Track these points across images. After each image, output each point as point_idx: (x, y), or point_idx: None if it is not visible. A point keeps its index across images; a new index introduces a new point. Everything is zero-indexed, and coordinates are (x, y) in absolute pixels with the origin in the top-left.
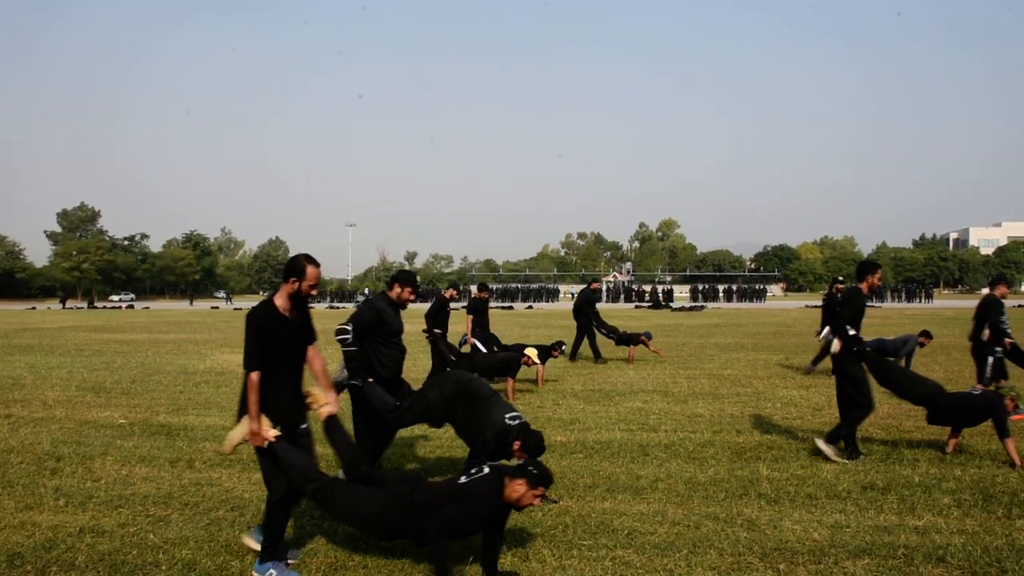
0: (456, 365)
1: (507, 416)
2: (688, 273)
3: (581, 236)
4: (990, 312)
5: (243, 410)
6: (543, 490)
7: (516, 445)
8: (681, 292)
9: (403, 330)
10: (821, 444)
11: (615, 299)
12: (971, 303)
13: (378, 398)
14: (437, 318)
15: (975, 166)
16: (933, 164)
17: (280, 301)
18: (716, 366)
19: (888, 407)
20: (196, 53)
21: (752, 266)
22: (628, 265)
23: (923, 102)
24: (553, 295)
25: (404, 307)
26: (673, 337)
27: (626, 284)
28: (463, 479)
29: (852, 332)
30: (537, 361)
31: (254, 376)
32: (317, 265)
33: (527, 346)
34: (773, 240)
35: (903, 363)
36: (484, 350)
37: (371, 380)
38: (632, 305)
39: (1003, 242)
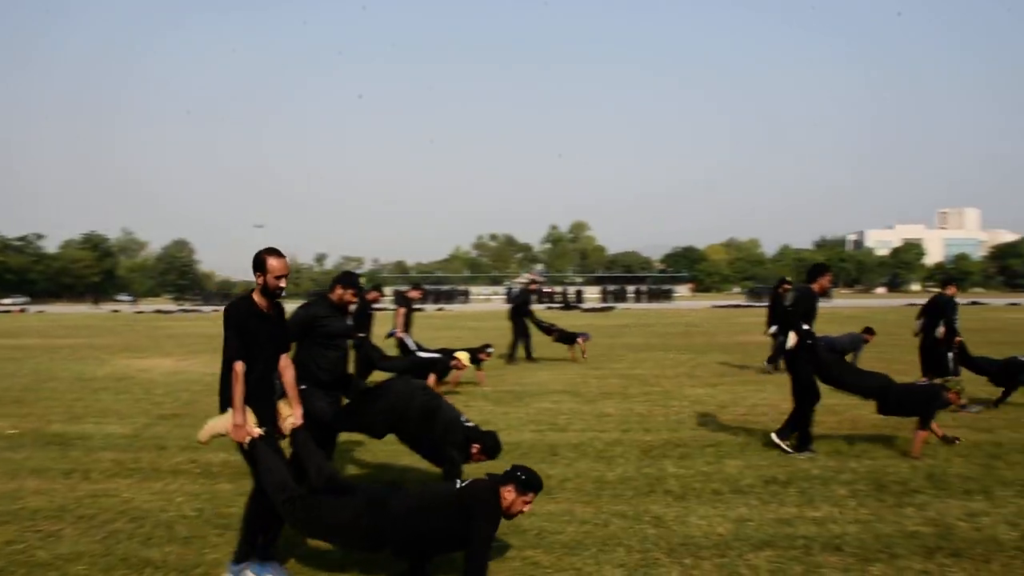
0: (382, 366)
1: (462, 419)
2: (598, 274)
3: (493, 237)
4: (946, 311)
5: (225, 401)
6: (533, 496)
7: (475, 448)
8: (591, 293)
9: (349, 332)
10: (776, 439)
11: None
12: (868, 302)
13: (311, 404)
14: (359, 321)
15: (869, 170)
16: (832, 168)
17: (257, 297)
18: (625, 366)
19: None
20: (196, 53)
21: (661, 267)
22: (539, 266)
23: (821, 106)
24: (465, 297)
25: (346, 309)
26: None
27: (537, 286)
28: (459, 485)
29: (806, 328)
30: (467, 364)
31: (239, 366)
32: (280, 256)
33: (455, 350)
34: (681, 242)
35: (852, 359)
36: (412, 346)
37: (303, 387)
38: (543, 307)
39: (897, 243)
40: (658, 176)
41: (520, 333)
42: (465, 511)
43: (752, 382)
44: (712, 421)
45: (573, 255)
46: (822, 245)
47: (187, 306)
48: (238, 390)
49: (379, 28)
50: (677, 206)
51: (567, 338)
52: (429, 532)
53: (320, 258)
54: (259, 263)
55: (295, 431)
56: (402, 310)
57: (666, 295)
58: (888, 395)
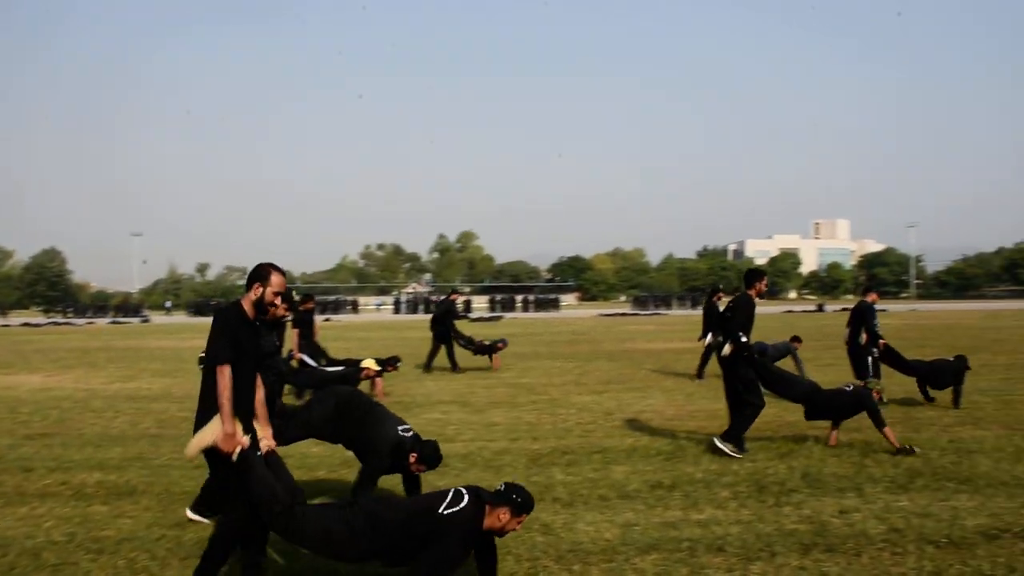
0: (291, 380)
1: (400, 428)
2: (486, 284)
3: (380, 247)
4: (866, 317)
5: (206, 410)
6: (525, 517)
7: (413, 458)
8: (479, 303)
9: (278, 352)
10: (719, 443)
11: (414, 310)
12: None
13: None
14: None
15: (751, 184)
16: (715, 181)
17: (247, 307)
18: (513, 375)
19: (672, 409)
20: (196, 53)
21: (548, 276)
22: (428, 276)
23: (705, 122)
24: (353, 307)
25: (266, 313)
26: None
27: (425, 295)
28: (444, 510)
29: (744, 338)
30: (377, 368)
31: (226, 369)
32: (282, 273)
33: (362, 359)
34: (568, 251)
35: (796, 366)
36: (313, 364)
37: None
38: (430, 316)
39: (775, 253)
40: (546, 186)
41: (442, 343)
42: (441, 531)
43: (637, 389)
44: (599, 428)
45: (461, 265)
46: (704, 254)
47: (58, 319)
48: (226, 396)
49: (379, 28)
50: (564, 216)
51: (487, 349)
52: (420, 543)
53: (202, 268)
54: (261, 274)
55: (267, 454)
56: (296, 330)
57: (553, 304)
58: (815, 401)
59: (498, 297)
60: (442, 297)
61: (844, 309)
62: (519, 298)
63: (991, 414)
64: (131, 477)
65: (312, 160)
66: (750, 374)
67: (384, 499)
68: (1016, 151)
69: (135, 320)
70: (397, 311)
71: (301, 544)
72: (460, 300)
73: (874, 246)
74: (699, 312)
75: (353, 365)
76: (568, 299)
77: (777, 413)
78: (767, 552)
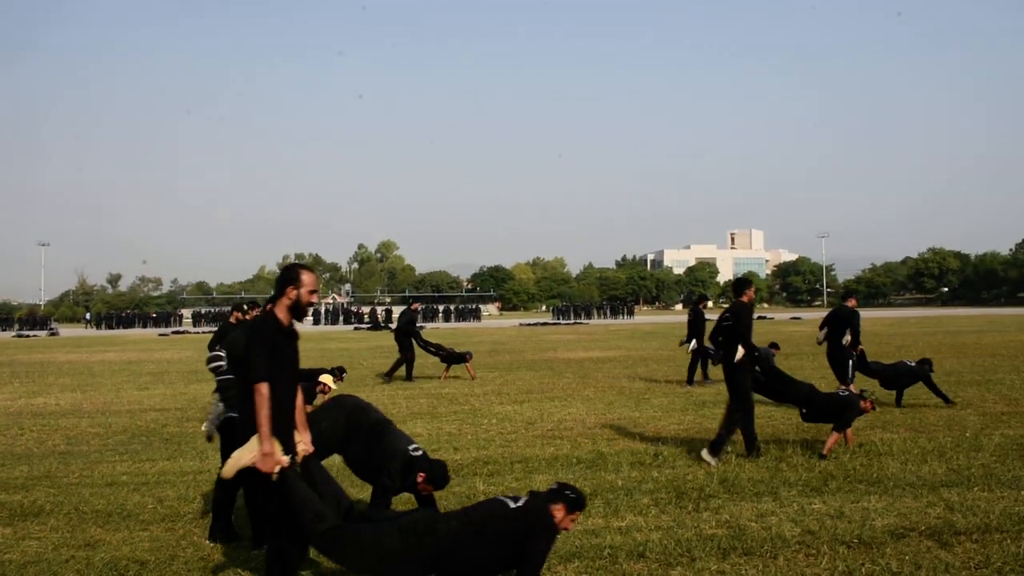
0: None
1: (410, 447)
2: (407, 294)
3: (299, 257)
4: (852, 321)
5: (248, 428)
6: (578, 514)
7: (421, 477)
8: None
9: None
10: (702, 454)
11: (334, 321)
12: (668, 318)
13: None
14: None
15: (672, 195)
16: (633, 192)
17: (282, 314)
18: (434, 385)
19: (593, 418)
20: (195, 52)
21: (469, 286)
22: (347, 286)
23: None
24: None
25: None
26: (392, 358)
27: (345, 306)
28: (514, 505)
29: (751, 344)
30: (334, 387)
31: (264, 387)
32: (312, 270)
33: (320, 371)
34: (489, 261)
35: None
36: None
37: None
38: (351, 327)
39: (692, 262)
40: (466, 196)
41: (406, 353)
42: (525, 530)
43: (559, 398)
44: (520, 438)
45: (382, 275)
46: (623, 264)
47: None
48: (264, 415)
49: (379, 28)
50: (485, 226)
51: (456, 358)
52: (483, 553)
53: (114, 279)
54: (292, 277)
55: (305, 459)
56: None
57: (474, 314)
58: (813, 403)
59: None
60: (402, 308)
61: (760, 317)
62: (440, 308)
63: (898, 418)
64: (37, 497)
65: (228, 168)
66: (746, 380)
67: (434, 513)
68: (922, 165)
69: (42, 333)
70: (316, 322)
71: (344, 564)
72: (419, 308)
73: (788, 256)
74: (618, 321)
75: (307, 378)
76: (489, 309)
77: (696, 420)
78: (687, 557)
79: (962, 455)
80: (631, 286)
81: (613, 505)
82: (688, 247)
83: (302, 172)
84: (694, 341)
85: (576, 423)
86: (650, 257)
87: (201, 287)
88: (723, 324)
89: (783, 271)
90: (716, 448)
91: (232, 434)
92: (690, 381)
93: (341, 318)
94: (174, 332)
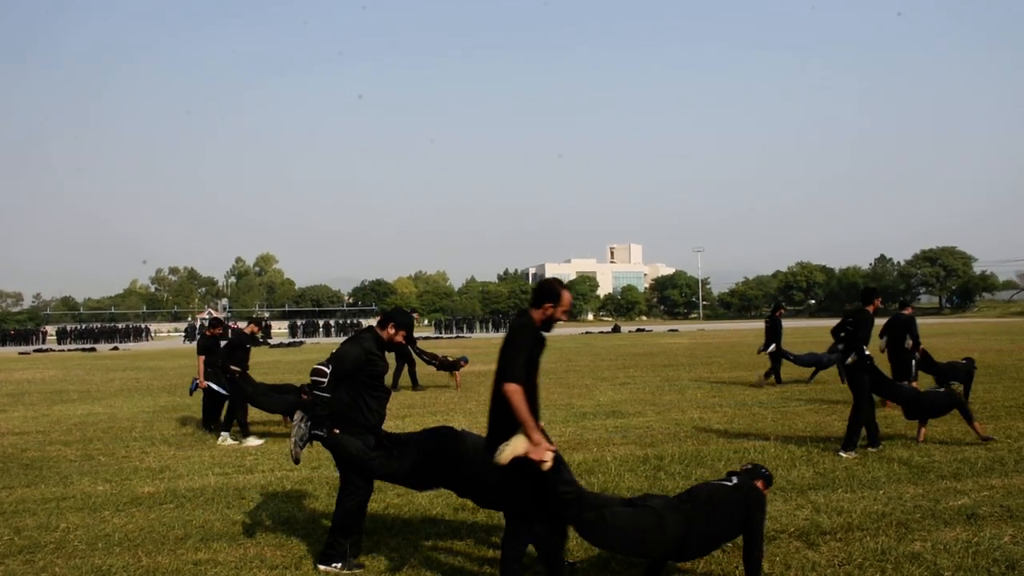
0: (259, 402)
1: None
2: (287, 308)
3: (173, 271)
4: (910, 327)
5: (504, 424)
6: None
7: None
8: (280, 328)
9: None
10: (843, 453)
11: None
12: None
13: (354, 445)
14: (238, 355)
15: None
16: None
17: (538, 320)
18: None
19: (477, 431)
20: (195, 53)
21: (350, 301)
22: (224, 301)
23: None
24: (146, 335)
25: (392, 349)
26: (272, 374)
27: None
28: (728, 484)
29: (867, 351)
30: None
31: (519, 388)
32: (570, 291)
33: (303, 387)
34: (370, 275)
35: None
36: (221, 391)
37: (337, 431)
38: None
39: (573, 276)
40: (348, 210)
41: (405, 362)
42: (746, 504)
43: (440, 412)
44: None
45: (260, 289)
46: (505, 278)
47: None
48: (526, 411)
49: (379, 28)
50: (366, 240)
51: (451, 366)
52: (718, 526)
53: None
54: (553, 294)
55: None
56: (202, 357)
57: (355, 328)
58: (920, 402)
59: (299, 322)
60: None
61: (639, 330)
62: (321, 323)
63: (770, 425)
64: None
65: (98, 176)
66: (864, 381)
67: (669, 497)
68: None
69: None
70: (190, 338)
71: (606, 546)
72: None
73: (665, 269)
74: (501, 335)
75: (292, 391)
76: (371, 323)
77: (577, 431)
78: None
79: (827, 459)
80: (513, 299)
81: (495, 517)
82: (569, 261)
83: (178, 183)
84: (773, 345)
85: None
86: (532, 271)
87: (67, 302)
88: (847, 327)
89: (661, 284)
90: (849, 445)
91: (335, 451)
92: (778, 380)
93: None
94: (36, 350)
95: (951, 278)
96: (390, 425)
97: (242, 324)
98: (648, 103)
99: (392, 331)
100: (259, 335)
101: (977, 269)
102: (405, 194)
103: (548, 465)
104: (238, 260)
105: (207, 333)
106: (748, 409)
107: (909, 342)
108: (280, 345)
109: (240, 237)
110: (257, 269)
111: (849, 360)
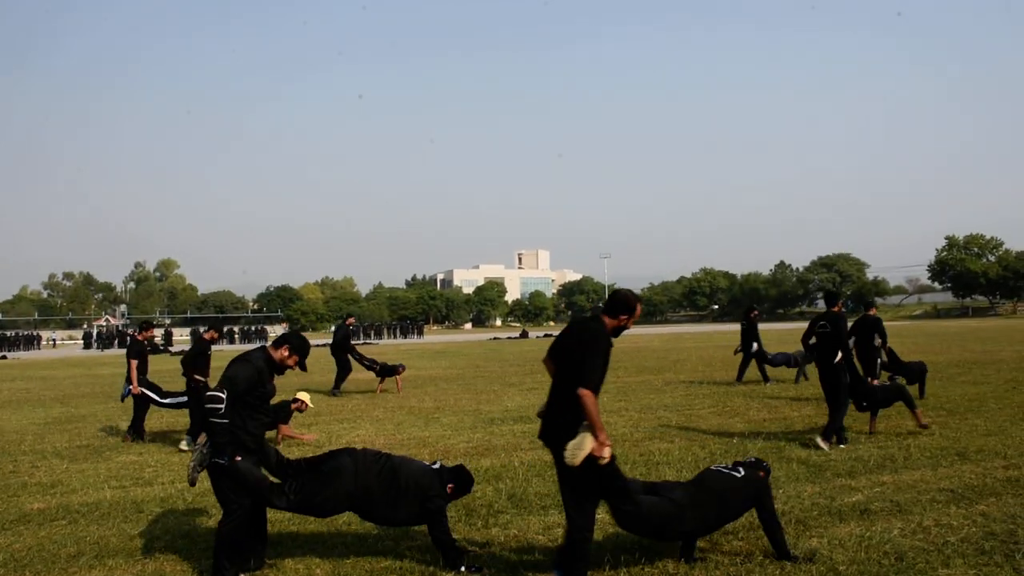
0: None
1: (429, 465)
2: (189, 315)
3: (68, 276)
4: (877, 327)
5: (570, 425)
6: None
7: (450, 488)
8: (181, 335)
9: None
10: (819, 441)
11: (108, 344)
12: (457, 337)
13: (252, 475)
14: (199, 364)
15: (461, 215)
16: (421, 212)
17: (610, 325)
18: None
19: (383, 438)
20: (195, 52)
21: (255, 307)
22: (123, 308)
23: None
24: (36, 343)
25: (281, 372)
26: (174, 383)
27: (120, 328)
28: (736, 474)
29: (850, 350)
30: (311, 405)
31: (592, 393)
32: (642, 303)
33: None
34: (276, 281)
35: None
36: (155, 397)
37: (239, 458)
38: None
39: (481, 282)
40: (253, 214)
41: (343, 368)
42: (754, 493)
43: (347, 419)
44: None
45: (161, 295)
46: (413, 284)
47: None
48: (595, 413)
49: (379, 28)
50: (272, 245)
51: (390, 371)
52: (730, 514)
53: None
54: (630, 307)
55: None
56: (134, 361)
57: (260, 335)
58: (875, 396)
59: (202, 329)
60: (337, 322)
61: (547, 335)
62: (224, 329)
63: (675, 428)
64: None
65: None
66: (844, 378)
67: (685, 483)
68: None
69: None
70: (88, 346)
71: (636, 532)
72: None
73: (572, 275)
74: (408, 341)
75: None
76: (276, 330)
77: (484, 437)
78: (479, 575)
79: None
80: (421, 306)
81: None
82: (477, 267)
83: (80, 184)
84: (755, 345)
85: (365, 445)
86: (440, 277)
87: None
88: (818, 330)
89: (568, 290)
90: (828, 435)
91: (225, 480)
92: (740, 379)
93: (116, 341)
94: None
95: (846, 283)
96: (302, 429)
97: (157, 332)
98: (556, 109)
99: (285, 353)
100: (160, 342)
101: (870, 275)
102: (312, 200)
103: (605, 460)
104: (138, 265)
105: (138, 337)
106: (653, 413)
107: (878, 341)
108: (181, 353)
109: (140, 241)
110: (158, 275)
111: (836, 359)
